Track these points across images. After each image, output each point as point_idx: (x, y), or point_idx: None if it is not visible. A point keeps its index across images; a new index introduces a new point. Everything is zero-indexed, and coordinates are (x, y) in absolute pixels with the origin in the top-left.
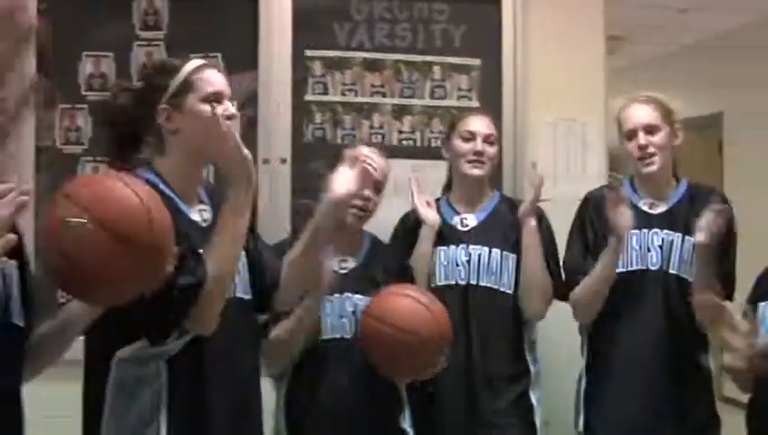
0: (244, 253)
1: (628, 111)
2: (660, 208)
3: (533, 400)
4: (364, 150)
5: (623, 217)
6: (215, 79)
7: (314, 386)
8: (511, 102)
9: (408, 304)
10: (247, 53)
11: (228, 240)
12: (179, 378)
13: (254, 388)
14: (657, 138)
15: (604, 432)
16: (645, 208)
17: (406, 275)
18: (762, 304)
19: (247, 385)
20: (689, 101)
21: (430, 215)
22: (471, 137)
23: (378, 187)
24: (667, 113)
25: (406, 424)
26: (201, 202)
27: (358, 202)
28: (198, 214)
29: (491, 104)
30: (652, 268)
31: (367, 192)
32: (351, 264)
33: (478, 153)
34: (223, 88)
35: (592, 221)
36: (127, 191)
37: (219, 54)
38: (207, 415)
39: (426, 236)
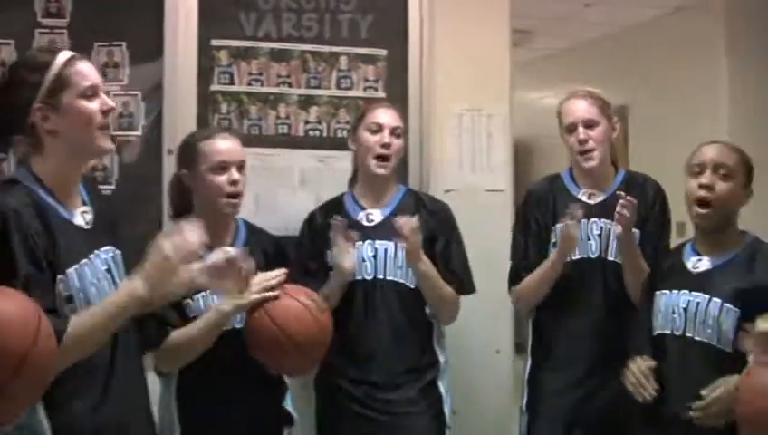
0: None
1: (567, 105)
2: (599, 198)
3: (442, 389)
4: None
5: (573, 236)
6: (89, 72)
7: (204, 377)
8: (417, 93)
9: (296, 308)
10: (152, 42)
11: (109, 319)
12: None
13: (142, 390)
14: (596, 132)
15: (544, 412)
16: (584, 199)
17: (284, 262)
18: (658, 293)
19: (135, 389)
20: None
21: (347, 264)
22: (378, 129)
23: (241, 167)
24: (604, 107)
25: (289, 406)
26: (83, 203)
27: (230, 189)
28: (81, 217)
29: (397, 95)
30: (592, 256)
31: (236, 175)
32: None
33: (385, 145)
34: (98, 80)
35: (535, 215)
36: None
37: (124, 43)
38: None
39: (336, 283)
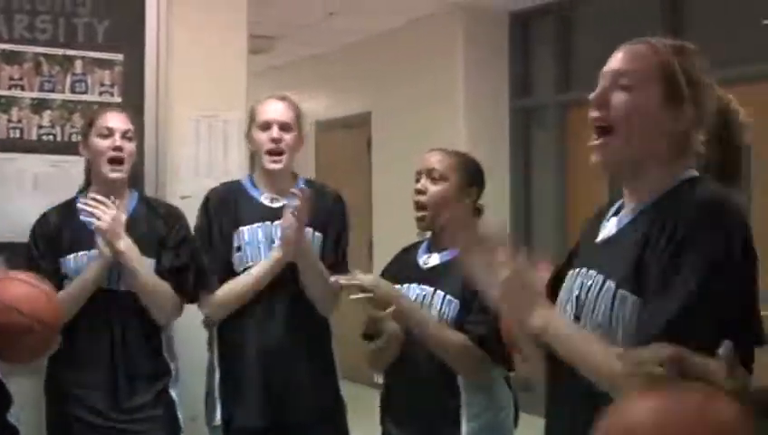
0: None
1: (266, 104)
2: (281, 202)
3: (174, 396)
4: None
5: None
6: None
7: None
8: (153, 99)
9: (25, 288)
10: None
11: None
12: None
13: None
14: (289, 137)
15: (242, 420)
16: (267, 203)
17: None
18: (398, 287)
19: None
20: (341, 100)
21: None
22: (109, 133)
23: None
24: (299, 117)
25: (13, 419)
26: None
27: None
28: None
29: (133, 100)
30: None
31: None
32: None
33: (117, 148)
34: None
35: (217, 219)
36: None
37: None
38: None
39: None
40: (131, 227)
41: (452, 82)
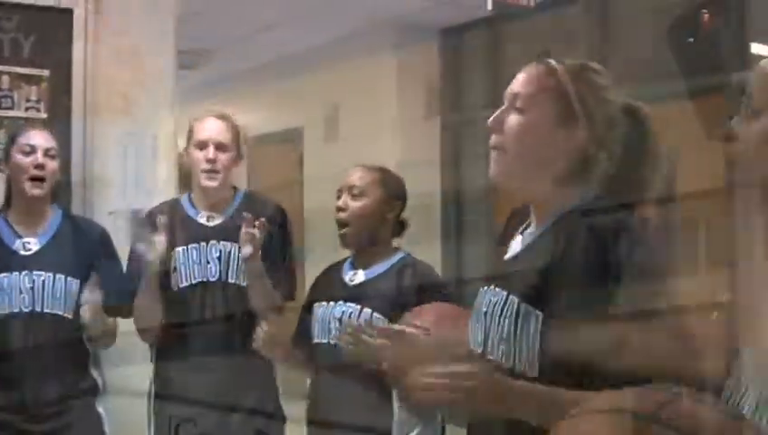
0: None
1: (203, 122)
2: (217, 221)
3: (101, 410)
4: None
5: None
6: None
7: None
8: (80, 114)
9: None
10: None
11: None
12: None
13: None
14: (225, 156)
15: None
16: (203, 222)
17: None
18: (316, 305)
19: None
20: (272, 115)
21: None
22: (31, 150)
23: None
24: (237, 136)
25: None
26: None
27: None
28: None
29: (60, 116)
30: (212, 279)
31: None
32: None
33: (39, 166)
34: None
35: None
36: None
37: None
38: None
39: None
40: (58, 246)
41: (383, 98)
